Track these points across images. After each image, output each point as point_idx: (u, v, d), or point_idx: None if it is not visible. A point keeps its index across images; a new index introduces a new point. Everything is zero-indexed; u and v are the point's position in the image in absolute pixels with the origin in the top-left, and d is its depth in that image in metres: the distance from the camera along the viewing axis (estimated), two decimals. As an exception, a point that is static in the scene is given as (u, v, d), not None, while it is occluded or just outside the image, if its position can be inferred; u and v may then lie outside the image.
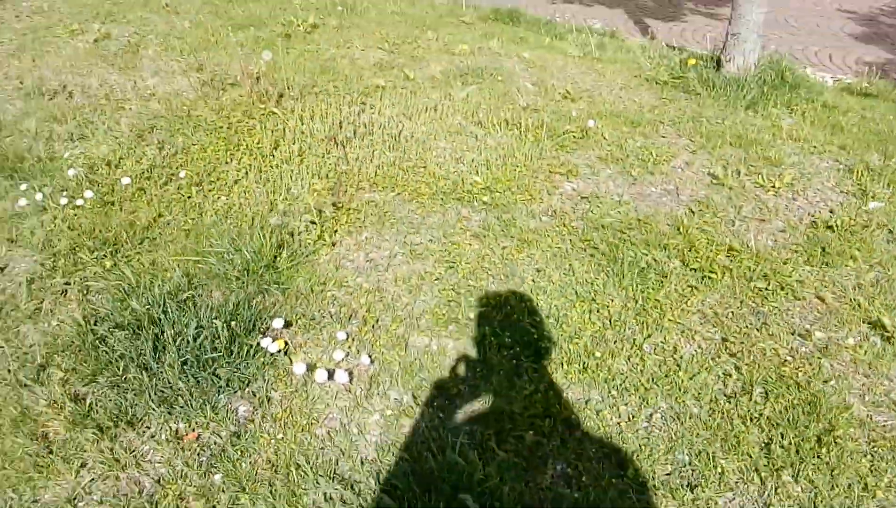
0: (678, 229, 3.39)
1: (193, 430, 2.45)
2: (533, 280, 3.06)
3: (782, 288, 3.00)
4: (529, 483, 2.23)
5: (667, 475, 2.24)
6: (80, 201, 3.63)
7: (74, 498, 2.24)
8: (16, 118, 4.71)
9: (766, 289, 3.00)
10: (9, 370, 2.66)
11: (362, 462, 2.32)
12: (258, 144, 4.14)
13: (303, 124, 4.34)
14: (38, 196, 3.67)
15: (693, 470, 2.25)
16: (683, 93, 5.31)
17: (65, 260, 3.22)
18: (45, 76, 5.50)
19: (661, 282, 3.03)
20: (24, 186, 3.77)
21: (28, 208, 3.62)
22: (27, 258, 3.28)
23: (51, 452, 2.37)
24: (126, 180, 3.79)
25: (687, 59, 5.81)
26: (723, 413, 2.43)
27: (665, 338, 2.75)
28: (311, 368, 2.60)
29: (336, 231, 3.37)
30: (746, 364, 2.63)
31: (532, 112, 4.66)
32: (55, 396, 2.55)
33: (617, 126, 4.51)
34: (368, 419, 2.48)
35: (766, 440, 2.33)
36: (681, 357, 2.66)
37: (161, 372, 2.58)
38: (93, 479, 2.30)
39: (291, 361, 2.65)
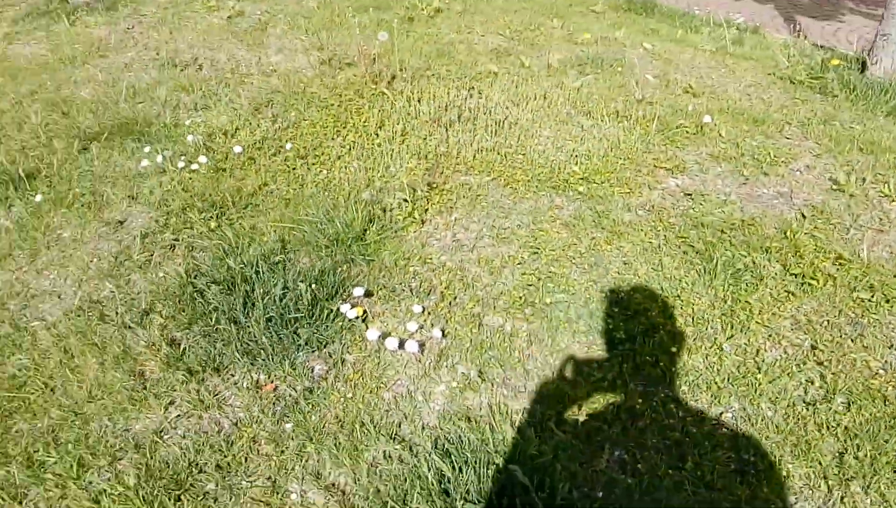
0: (785, 234, 3.36)
1: (272, 381, 2.71)
2: (618, 272, 3.13)
3: (887, 301, 2.93)
4: (584, 464, 2.33)
5: (729, 472, 2.28)
6: (195, 166, 4.03)
7: (161, 431, 2.54)
8: (149, 86, 5.23)
9: (870, 300, 2.94)
10: (117, 313, 3.03)
11: (423, 428, 2.50)
12: (365, 122, 4.40)
13: (410, 106, 4.58)
14: (159, 159, 4.09)
15: (757, 470, 2.28)
16: (819, 94, 5.16)
17: (176, 219, 3.59)
18: (180, 49, 6.02)
19: (756, 285, 3.03)
20: (147, 149, 4.22)
21: (149, 168, 4.06)
22: (144, 215, 3.68)
23: (145, 388, 2.70)
24: (238, 149, 4.16)
25: (829, 60, 5.64)
26: (798, 419, 2.44)
27: (749, 340, 2.77)
28: (384, 336, 2.80)
29: (427, 210, 3.57)
30: (833, 373, 2.61)
31: (646, 105, 4.68)
32: (154, 339, 2.88)
33: (737, 124, 4.47)
34: (434, 388, 2.65)
35: (840, 450, 2.33)
36: (763, 360, 2.67)
37: (248, 326, 2.86)
38: (179, 416, 2.60)
39: (367, 327, 2.85)
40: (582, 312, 2.92)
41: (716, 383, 2.59)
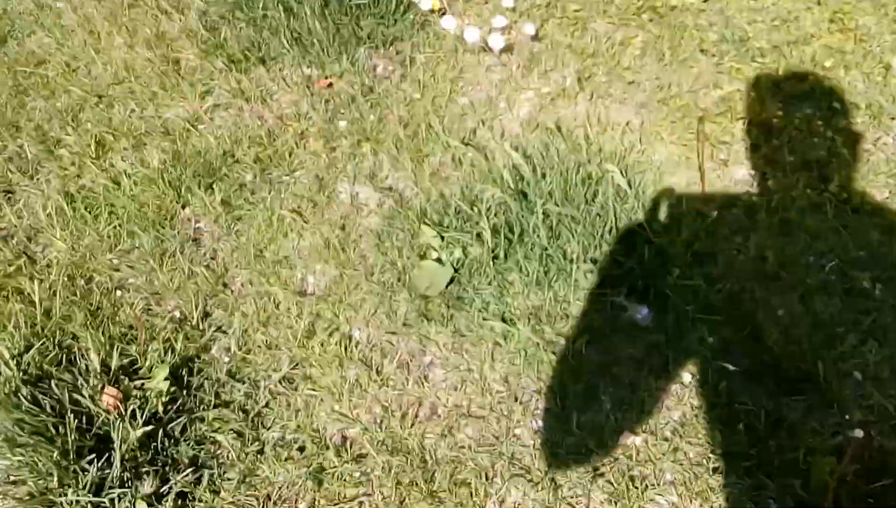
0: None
1: (326, 77, 2.51)
2: (766, -20, 2.74)
3: None
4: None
5: (883, 199, 2.00)
6: None
7: (195, 120, 2.42)
8: None
9: None
10: (150, -7, 2.85)
11: (503, 135, 2.28)
12: None
13: None
14: None
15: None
16: None
17: None
18: None
19: (943, 8, 2.61)
20: None
21: None
22: None
23: (179, 75, 2.55)
24: None
25: None
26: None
27: (923, 62, 2.39)
28: (463, 28, 2.51)
29: None
30: None
31: None
32: (191, 25, 2.70)
33: None
34: (520, 96, 2.39)
35: None
36: (940, 82, 2.31)
37: (301, 14, 2.62)
38: (216, 105, 2.46)
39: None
40: (715, 19, 2.56)
41: (877, 102, 2.24)
